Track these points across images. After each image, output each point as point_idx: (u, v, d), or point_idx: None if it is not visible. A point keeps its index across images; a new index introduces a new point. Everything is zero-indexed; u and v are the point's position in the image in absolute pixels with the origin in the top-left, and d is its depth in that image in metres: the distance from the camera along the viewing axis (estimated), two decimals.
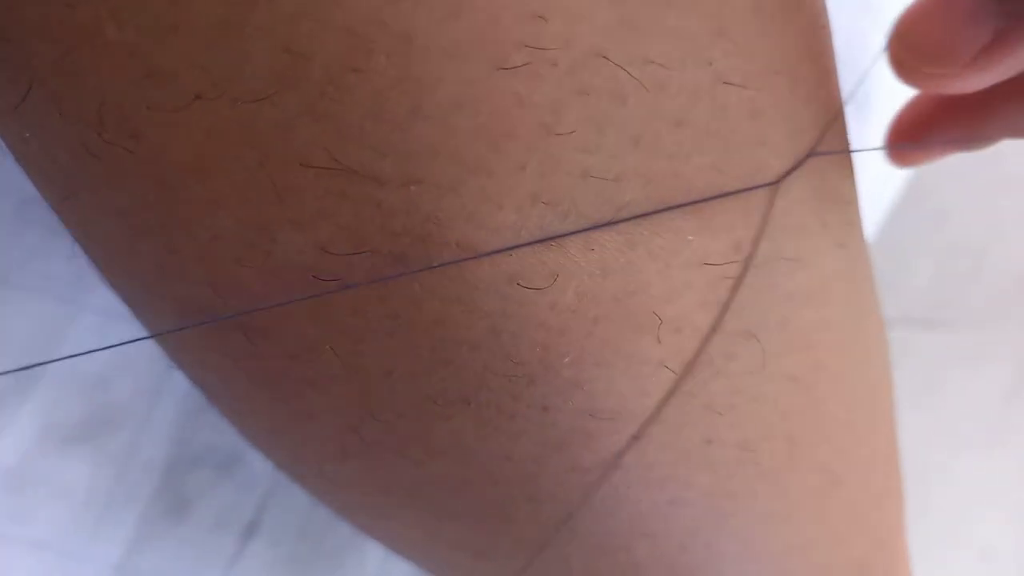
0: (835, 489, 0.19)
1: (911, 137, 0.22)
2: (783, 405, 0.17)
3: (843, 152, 0.18)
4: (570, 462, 0.16)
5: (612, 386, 0.16)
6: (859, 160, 0.20)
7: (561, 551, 0.18)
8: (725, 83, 0.15)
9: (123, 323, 0.25)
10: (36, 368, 0.25)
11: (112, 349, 0.25)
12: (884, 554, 0.21)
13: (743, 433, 0.17)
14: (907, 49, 0.18)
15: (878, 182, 0.38)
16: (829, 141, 0.18)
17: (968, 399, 0.40)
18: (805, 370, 0.18)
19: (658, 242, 0.15)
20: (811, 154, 0.17)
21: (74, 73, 0.14)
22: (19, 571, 0.25)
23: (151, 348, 0.19)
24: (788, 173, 0.16)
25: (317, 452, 0.18)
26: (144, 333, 0.19)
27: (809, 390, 0.18)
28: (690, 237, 0.15)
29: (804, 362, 0.18)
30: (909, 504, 0.22)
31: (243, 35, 0.13)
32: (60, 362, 0.25)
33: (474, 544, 0.19)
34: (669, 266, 0.15)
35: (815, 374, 0.18)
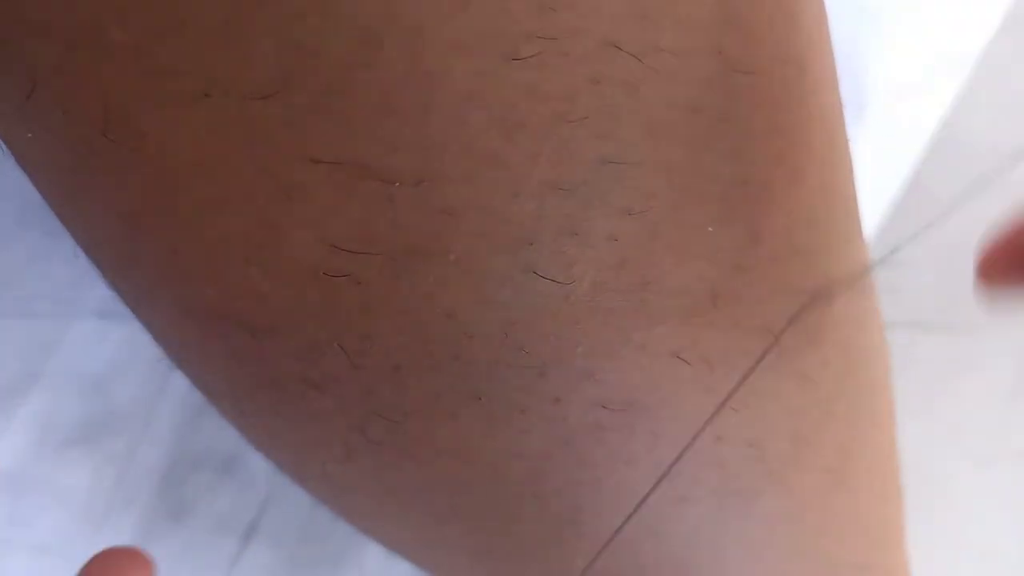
0: (838, 489, 0.19)
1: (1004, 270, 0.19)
2: (790, 403, 0.17)
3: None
4: (580, 457, 0.16)
5: (624, 377, 0.16)
6: (857, 161, 0.20)
7: (565, 550, 0.17)
8: (736, 71, 0.15)
9: (123, 325, 0.25)
10: (34, 371, 0.25)
11: (112, 351, 0.25)
12: (885, 554, 0.21)
13: (752, 431, 0.17)
14: None
15: (876, 184, 0.38)
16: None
17: (969, 402, 0.40)
18: (813, 368, 0.18)
19: (679, 234, 0.15)
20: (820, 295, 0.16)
21: (78, 73, 0.13)
22: (19, 575, 0.25)
23: (151, 350, 0.19)
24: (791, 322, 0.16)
25: (321, 453, 0.18)
26: (145, 334, 0.19)
27: (816, 388, 0.18)
28: (710, 228, 0.15)
29: (813, 360, 0.18)
30: (909, 506, 0.22)
31: (250, 32, 0.13)
32: (59, 364, 0.25)
33: (475, 545, 0.18)
34: (686, 258, 0.15)
35: (822, 372, 0.18)
